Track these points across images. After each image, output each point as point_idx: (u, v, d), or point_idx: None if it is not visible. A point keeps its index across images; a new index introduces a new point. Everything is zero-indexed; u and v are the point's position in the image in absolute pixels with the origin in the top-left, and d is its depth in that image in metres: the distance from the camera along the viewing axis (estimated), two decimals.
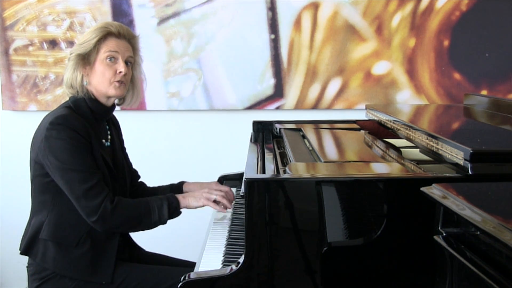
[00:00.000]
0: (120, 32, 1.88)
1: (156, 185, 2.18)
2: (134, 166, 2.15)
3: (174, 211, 1.84)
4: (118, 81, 1.87)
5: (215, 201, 1.90)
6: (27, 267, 1.90)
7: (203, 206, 1.89)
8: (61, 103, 1.93)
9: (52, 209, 1.82)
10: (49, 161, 1.76)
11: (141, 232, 1.89)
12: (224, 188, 2.03)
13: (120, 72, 1.86)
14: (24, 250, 1.87)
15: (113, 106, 1.95)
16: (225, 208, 1.93)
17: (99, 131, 1.90)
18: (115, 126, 2.06)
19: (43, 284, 1.84)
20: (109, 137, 1.96)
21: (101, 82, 1.86)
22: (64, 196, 1.79)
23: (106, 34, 1.86)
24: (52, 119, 1.77)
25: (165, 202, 1.83)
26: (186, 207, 1.88)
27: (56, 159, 1.75)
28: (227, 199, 1.92)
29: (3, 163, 3.08)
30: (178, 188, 2.10)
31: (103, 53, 1.85)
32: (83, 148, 1.77)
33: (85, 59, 1.86)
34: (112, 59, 1.86)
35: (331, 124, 2.34)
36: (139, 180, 2.18)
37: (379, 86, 2.88)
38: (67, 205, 1.79)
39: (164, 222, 1.84)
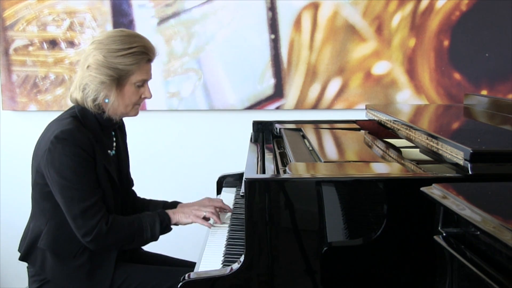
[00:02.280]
0: (153, 57, 1.84)
1: (155, 185, 2.18)
2: (133, 167, 2.13)
3: (166, 228, 1.85)
4: (138, 104, 1.86)
5: (204, 218, 1.90)
6: (27, 267, 1.90)
7: (192, 222, 1.90)
8: (67, 109, 1.87)
9: (52, 218, 1.80)
10: (50, 175, 1.74)
11: None
12: (217, 203, 2.01)
13: (145, 97, 1.86)
14: (23, 257, 1.87)
15: None
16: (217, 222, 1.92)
17: (104, 141, 1.86)
18: (120, 128, 2.02)
19: (43, 286, 1.84)
20: (114, 144, 1.93)
21: (126, 105, 1.82)
22: None
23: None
24: (58, 133, 1.72)
25: (157, 220, 1.82)
26: (177, 223, 1.89)
27: (57, 175, 1.72)
28: (217, 215, 1.92)
29: (3, 163, 3.08)
30: (171, 206, 2.05)
31: (136, 77, 1.80)
32: (86, 165, 1.74)
33: (118, 81, 1.79)
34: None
35: (331, 124, 2.34)
36: (132, 188, 2.12)
37: (379, 86, 2.88)
38: None
39: (156, 239, 1.84)
